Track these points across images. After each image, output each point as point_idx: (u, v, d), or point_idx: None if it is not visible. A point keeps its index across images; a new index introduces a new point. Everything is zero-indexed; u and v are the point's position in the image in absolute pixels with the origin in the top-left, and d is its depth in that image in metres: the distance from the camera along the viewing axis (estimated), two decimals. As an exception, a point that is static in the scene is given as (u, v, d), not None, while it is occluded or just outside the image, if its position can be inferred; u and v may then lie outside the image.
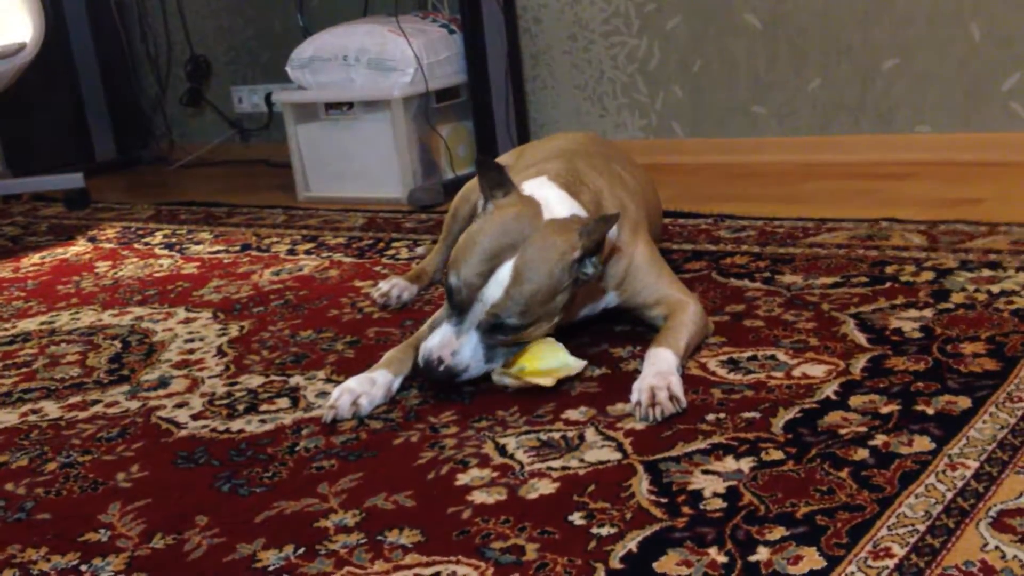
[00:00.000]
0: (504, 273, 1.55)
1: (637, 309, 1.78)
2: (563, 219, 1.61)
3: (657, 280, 1.76)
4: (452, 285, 1.58)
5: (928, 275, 1.93)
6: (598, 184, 1.77)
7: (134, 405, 1.77)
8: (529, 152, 2.15)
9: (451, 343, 1.58)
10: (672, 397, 1.48)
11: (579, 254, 1.57)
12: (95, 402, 1.80)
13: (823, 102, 3.04)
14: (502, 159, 2.24)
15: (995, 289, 1.82)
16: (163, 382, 1.86)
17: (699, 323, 1.71)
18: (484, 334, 1.58)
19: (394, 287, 2.15)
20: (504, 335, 1.58)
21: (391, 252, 2.59)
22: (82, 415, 1.75)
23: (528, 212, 1.60)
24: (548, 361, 1.61)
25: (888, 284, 1.91)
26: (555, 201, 1.64)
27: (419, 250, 2.56)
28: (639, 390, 1.51)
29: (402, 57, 3.15)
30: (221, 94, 4.39)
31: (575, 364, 1.61)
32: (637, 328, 1.82)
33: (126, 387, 1.86)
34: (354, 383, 1.63)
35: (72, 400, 1.82)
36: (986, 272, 1.90)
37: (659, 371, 1.54)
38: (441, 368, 1.58)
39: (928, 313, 1.75)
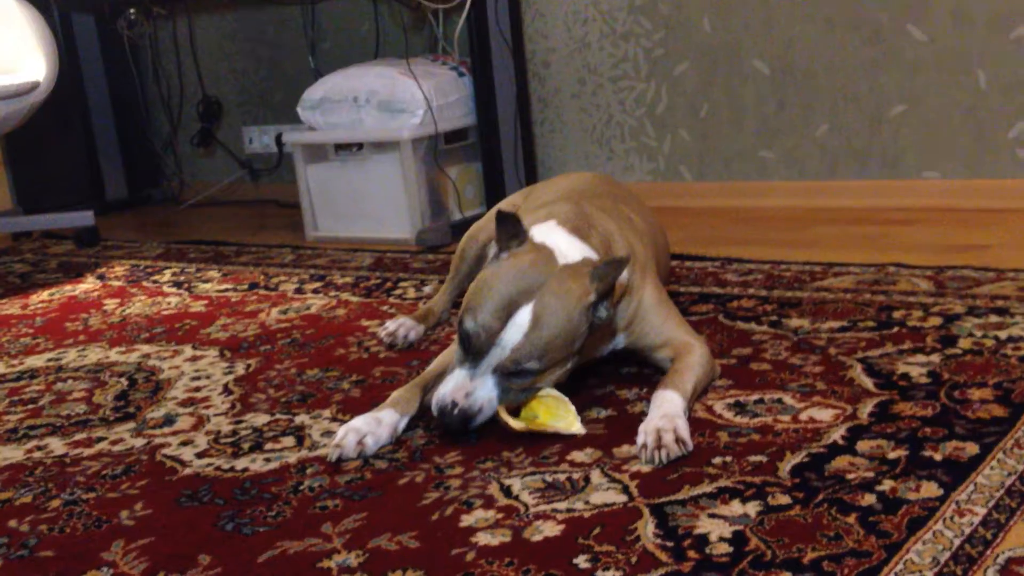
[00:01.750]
0: (523, 317, 1.54)
1: (644, 350, 1.78)
2: (576, 264, 1.61)
3: (664, 322, 1.76)
4: (469, 330, 1.56)
5: (935, 320, 1.93)
6: (608, 227, 1.77)
7: (139, 443, 1.77)
8: (538, 192, 2.16)
9: (465, 386, 1.57)
10: (678, 440, 1.48)
11: (594, 298, 1.57)
12: (100, 439, 1.80)
13: (831, 147, 3.05)
14: (510, 199, 2.26)
15: (1003, 335, 1.81)
16: (169, 420, 1.86)
17: (706, 366, 1.70)
18: (501, 378, 1.57)
19: (401, 327, 2.15)
20: (521, 380, 1.58)
21: (398, 292, 2.59)
22: (87, 452, 1.75)
23: (542, 258, 1.60)
24: (557, 420, 1.60)
25: (895, 329, 1.91)
26: (566, 246, 1.65)
27: (426, 290, 2.57)
28: (645, 432, 1.50)
29: (412, 99, 3.18)
30: (232, 134, 4.42)
31: (577, 429, 1.59)
32: (644, 370, 1.82)
33: (132, 424, 1.86)
34: (360, 422, 1.63)
35: (77, 437, 1.82)
36: (994, 318, 1.90)
37: (665, 413, 1.53)
38: (456, 412, 1.56)
39: (936, 358, 1.75)
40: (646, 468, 1.46)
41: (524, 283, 1.56)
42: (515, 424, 1.56)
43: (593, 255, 1.66)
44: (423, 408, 1.68)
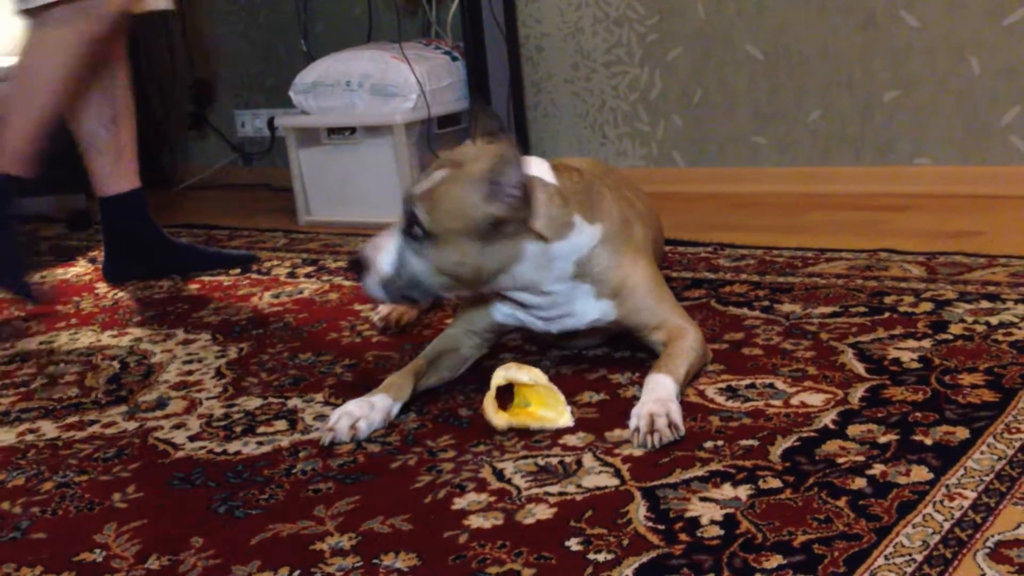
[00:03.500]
0: (437, 174, 1.61)
1: (637, 330, 1.76)
2: None
3: (659, 303, 1.75)
4: (402, 194, 1.64)
5: (927, 306, 1.93)
6: (607, 198, 1.75)
7: (131, 426, 1.77)
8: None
9: (378, 242, 1.63)
10: (670, 424, 1.48)
11: (498, 171, 1.56)
12: (92, 422, 1.80)
13: (823, 133, 3.05)
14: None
15: (994, 321, 1.82)
16: (161, 403, 1.86)
17: (699, 350, 1.70)
18: (403, 234, 1.61)
19: (394, 311, 2.15)
20: (417, 242, 1.59)
21: (391, 277, 2.58)
22: (79, 435, 1.75)
23: (490, 148, 1.65)
24: (548, 410, 1.59)
25: (887, 314, 1.91)
26: (536, 166, 1.67)
27: (419, 275, 2.56)
28: (637, 416, 1.51)
29: (404, 83, 3.17)
30: (224, 118, 4.41)
31: (566, 422, 1.58)
32: (636, 354, 1.82)
33: (124, 408, 1.86)
34: (353, 406, 1.63)
35: (70, 420, 1.82)
36: (985, 304, 1.91)
37: (658, 397, 1.54)
38: (357, 256, 1.63)
39: (927, 344, 1.75)
40: (638, 452, 1.46)
41: (459, 156, 1.64)
42: (499, 421, 1.56)
43: (553, 182, 1.66)
44: (416, 394, 1.69)
